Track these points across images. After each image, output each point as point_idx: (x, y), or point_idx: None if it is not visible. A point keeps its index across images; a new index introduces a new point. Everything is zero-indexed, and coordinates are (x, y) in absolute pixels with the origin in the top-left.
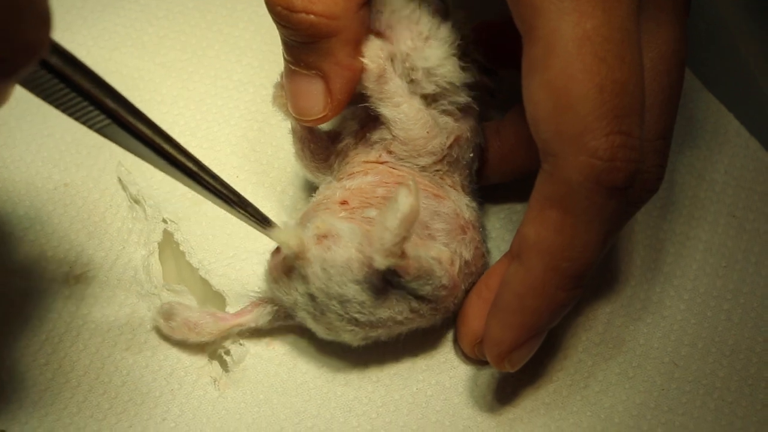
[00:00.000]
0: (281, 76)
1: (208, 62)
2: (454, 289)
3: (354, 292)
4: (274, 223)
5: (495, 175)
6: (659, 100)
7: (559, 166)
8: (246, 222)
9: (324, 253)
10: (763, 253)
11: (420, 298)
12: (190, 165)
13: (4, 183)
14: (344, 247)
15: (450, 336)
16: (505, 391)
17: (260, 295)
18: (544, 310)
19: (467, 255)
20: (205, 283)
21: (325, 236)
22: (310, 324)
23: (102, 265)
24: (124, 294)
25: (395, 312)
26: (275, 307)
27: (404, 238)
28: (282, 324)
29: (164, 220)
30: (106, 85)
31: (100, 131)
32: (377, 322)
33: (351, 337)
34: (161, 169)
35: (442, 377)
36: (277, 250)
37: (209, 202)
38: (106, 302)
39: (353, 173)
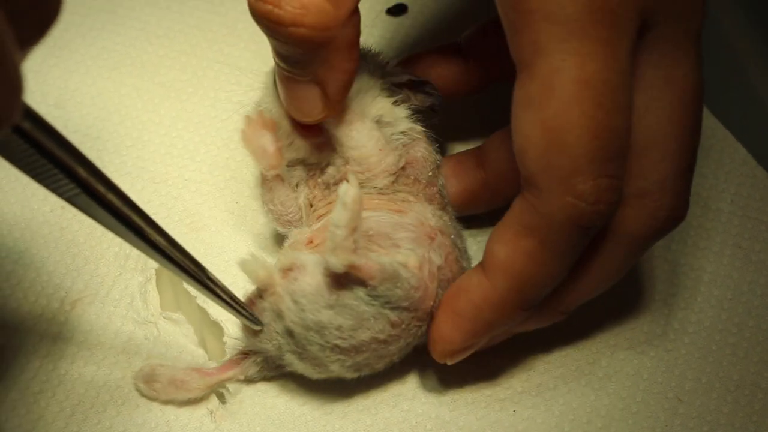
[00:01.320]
0: (254, 117)
1: (208, 83)
2: (426, 290)
3: (329, 317)
4: (246, 305)
5: (480, 204)
6: (680, 139)
7: (543, 201)
8: (217, 303)
9: (292, 285)
10: None
11: (396, 308)
12: (161, 241)
13: (0, 204)
14: (310, 275)
15: (450, 371)
16: (506, 428)
17: (245, 348)
18: (497, 324)
19: (438, 260)
20: (203, 311)
21: (290, 269)
22: (298, 366)
23: (98, 291)
24: (121, 321)
25: (376, 331)
26: (261, 358)
27: (354, 230)
28: (272, 374)
29: None
30: (77, 153)
31: (70, 200)
32: (360, 345)
33: (339, 367)
34: (132, 243)
35: (441, 411)
36: (247, 303)
37: (207, 229)
38: (103, 329)
39: (320, 215)
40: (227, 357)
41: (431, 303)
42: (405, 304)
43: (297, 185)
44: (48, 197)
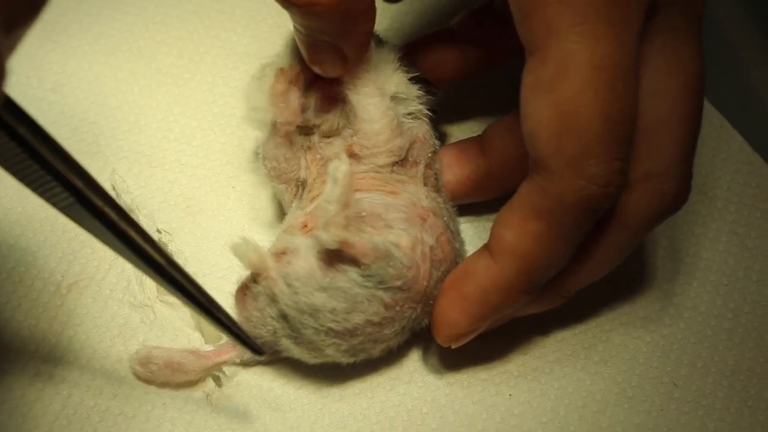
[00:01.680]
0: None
1: (205, 68)
2: (419, 270)
3: (322, 300)
4: (240, 328)
5: (483, 192)
6: (685, 124)
7: (553, 183)
8: (218, 328)
9: (285, 268)
10: (765, 271)
11: (389, 289)
12: (157, 257)
13: None
14: (303, 258)
15: (446, 356)
16: (502, 412)
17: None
18: (502, 308)
19: (430, 240)
20: None
21: (283, 253)
22: (294, 351)
23: (95, 274)
24: (117, 304)
25: (369, 314)
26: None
27: (345, 205)
28: (268, 358)
29: (158, 231)
30: (72, 162)
31: (64, 210)
32: (354, 328)
33: (335, 351)
34: (126, 258)
35: (437, 395)
36: (241, 289)
37: (204, 214)
38: (99, 312)
39: (314, 197)
40: (223, 340)
41: (425, 284)
42: (398, 283)
43: (302, 150)
44: None
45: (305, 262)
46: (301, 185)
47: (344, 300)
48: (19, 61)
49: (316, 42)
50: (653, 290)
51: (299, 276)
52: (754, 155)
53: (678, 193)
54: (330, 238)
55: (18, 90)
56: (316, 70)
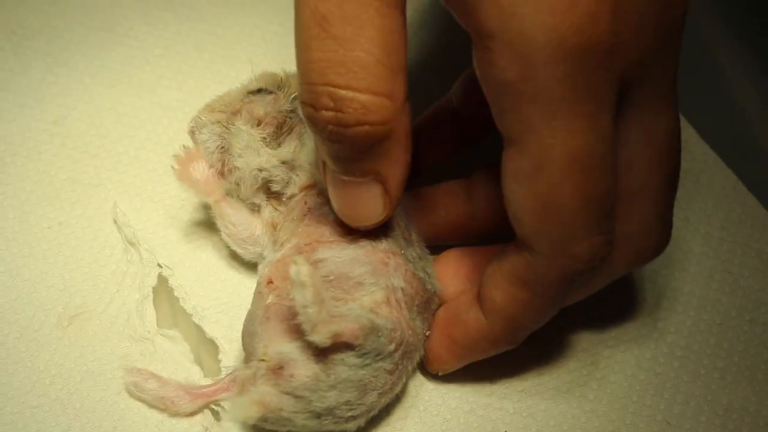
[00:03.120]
0: (181, 153)
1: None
2: (401, 323)
3: (335, 397)
4: None
5: (467, 235)
6: (662, 188)
7: (539, 262)
8: None
9: (291, 384)
10: (758, 310)
11: (387, 356)
12: None
13: None
14: (303, 365)
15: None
16: None
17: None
18: (488, 353)
19: (400, 282)
20: (199, 329)
21: (280, 368)
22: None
23: (95, 307)
24: (117, 337)
25: (380, 387)
26: None
27: (322, 302)
28: None
29: (159, 265)
30: None
31: None
32: (371, 405)
33: (355, 425)
34: None
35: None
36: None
37: (205, 249)
38: (99, 345)
39: (282, 242)
40: (222, 375)
41: (409, 331)
42: (392, 347)
43: (258, 207)
44: (46, 213)
45: (306, 369)
46: (273, 227)
47: (354, 388)
48: (21, 94)
49: (354, 181)
50: (647, 329)
51: (307, 386)
52: (748, 195)
53: (656, 247)
54: (323, 338)
55: (20, 122)
56: (353, 219)
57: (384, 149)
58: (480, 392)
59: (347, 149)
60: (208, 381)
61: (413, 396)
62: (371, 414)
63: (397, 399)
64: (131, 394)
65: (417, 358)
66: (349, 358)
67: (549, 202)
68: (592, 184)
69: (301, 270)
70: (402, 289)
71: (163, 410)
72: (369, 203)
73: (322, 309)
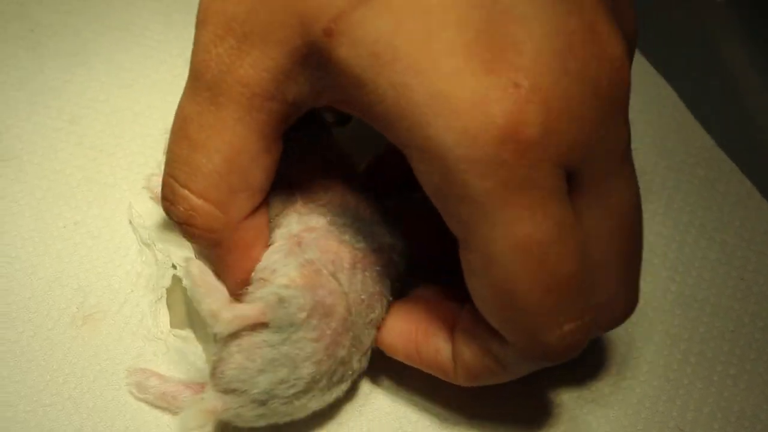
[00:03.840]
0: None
1: None
2: (316, 288)
3: (269, 379)
4: None
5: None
6: (623, 259)
7: (510, 348)
8: None
9: (222, 380)
10: None
11: (302, 325)
12: None
13: (13, 218)
14: (228, 359)
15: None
16: None
17: None
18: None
19: (313, 254)
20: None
21: (214, 367)
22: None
23: (110, 307)
24: (131, 337)
25: (311, 357)
26: None
27: (217, 293)
28: None
29: (173, 266)
30: None
31: None
32: (312, 377)
33: (316, 402)
34: None
35: None
36: None
37: (219, 249)
38: (113, 345)
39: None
40: None
41: (327, 292)
42: (304, 315)
43: None
44: (62, 213)
45: (230, 361)
46: None
47: (283, 365)
48: (38, 92)
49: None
50: (660, 335)
51: (236, 377)
52: (762, 202)
53: (620, 316)
54: (225, 325)
55: (36, 121)
56: None
57: (216, 254)
58: (488, 398)
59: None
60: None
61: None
62: (322, 385)
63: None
64: (134, 396)
65: (352, 315)
66: (268, 336)
67: (507, 295)
68: (549, 271)
69: (188, 269)
70: (317, 259)
71: (165, 408)
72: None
73: (216, 300)
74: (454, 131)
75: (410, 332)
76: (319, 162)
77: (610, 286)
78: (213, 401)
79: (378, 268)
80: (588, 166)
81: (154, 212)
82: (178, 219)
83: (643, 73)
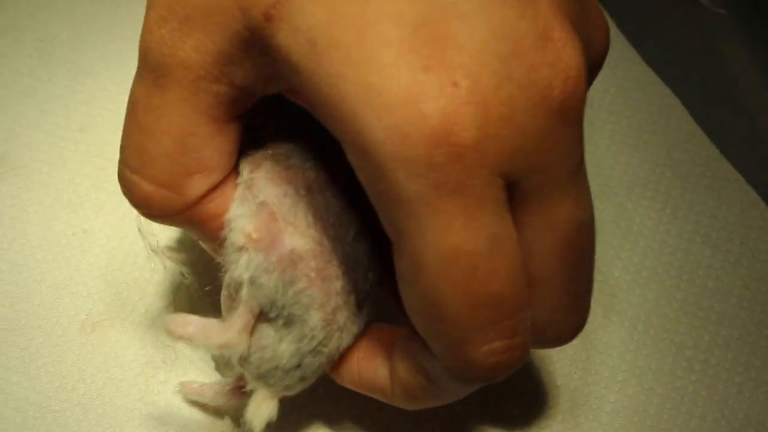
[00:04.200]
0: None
1: None
2: (272, 245)
3: (288, 346)
4: None
5: None
6: (565, 276)
7: (439, 362)
8: None
9: (255, 368)
10: None
11: (283, 289)
12: None
13: (22, 226)
14: (254, 347)
15: None
16: None
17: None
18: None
19: (265, 195)
20: None
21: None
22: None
23: (118, 314)
24: (140, 344)
25: (317, 305)
26: None
27: (211, 325)
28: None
29: (182, 273)
30: None
31: None
32: (326, 321)
33: (347, 336)
34: None
35: None
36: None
37: None
38: (122, 352)
39: None
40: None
41: (296, 235)
42: (275, 278)
43: None
44: (71, 221)
45: (251, 349)
46: None
47: (291, 324)
48: (47, 101)
49: None
50: (665, 343)
51: (263, 358)
52: (767, 211)
53: (566, 336)
54: (242, 345)
55: (46, 129)
56: None
57: (190, 230)
58: (495, 404)
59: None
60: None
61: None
62: (341, 319)
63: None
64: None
65: (327, 242)
66: (268, 323)
67: (432, 305)
68: (476, 285)
69: (168, 330)
70: (269, 200)
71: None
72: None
73: (213, 334)
74: (385, 127)
75: (351, 356)
76: (283, 120)
77: (552, 303)
78: (261, 390)
79: (335, 184)
80: (531, 178)
81: None
82: (136, 206)
83: (648, 83)
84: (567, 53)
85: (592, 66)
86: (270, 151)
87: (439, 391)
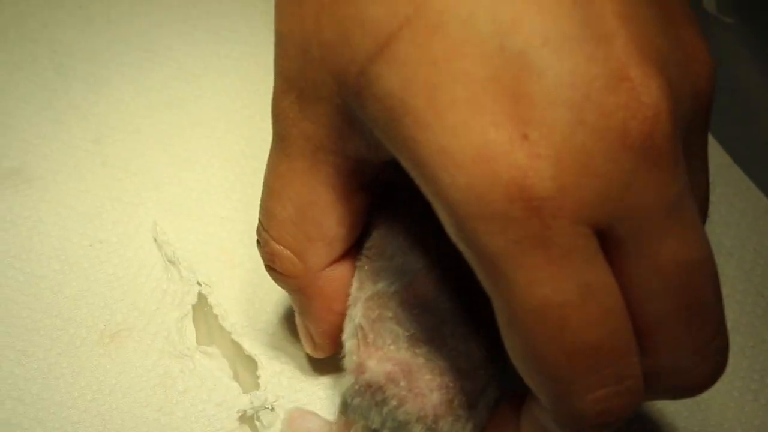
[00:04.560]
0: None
1: (244, 122)
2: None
3: None
4: None
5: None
6: (684, 318)
7: (549, 413)
8: None
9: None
10: None
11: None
12: None
13: (39, 237)
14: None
15: None
16: None
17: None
18: None
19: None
20: (237, 346)
21: None
22: None
23: (136, 324)
24: (158, 354)
25: (415, 421)
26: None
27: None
28: None
29: (198, 283)
30: None
31: None
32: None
33: None
34: None
35: None
36: None
37: (243, 267)
38: (139, 362)
39: None
40: (261, 389)
41: (374, 366)
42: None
43: None
44: (87, 231)
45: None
46: None
47: None
48: (62, 112)
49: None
50: None
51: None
52: None
53: (701, 382)
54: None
55: (62, 141)
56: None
57: (299, 299)
58: None
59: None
60: (246, 397)
61: None
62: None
63: None
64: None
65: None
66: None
67: (530, 358)
68: (572, 335)
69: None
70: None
71: None
72: (303, 336)
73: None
74: (461, 188)
75: None
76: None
77: (674, 350)
78: None
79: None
80: (622, 222)
81: (179, 229)
82: (264, 260)
83: None
84: (645, 92)
85: (695, 96)
86: (380, 262)
87: None
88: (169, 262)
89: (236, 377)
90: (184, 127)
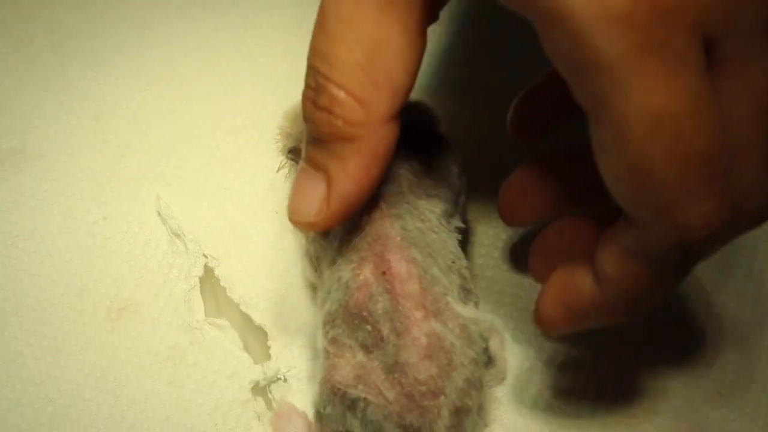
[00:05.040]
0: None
1: (245, 94)
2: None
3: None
4: None
5: (578, 207)
6: (765, 143)
7: (645, 234)
8: None
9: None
10: None
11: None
12: None
13: (43, 216)
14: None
15: None
16: None
17: None
18: (604, 324)
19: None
20: (246, 317)
21: None
22: None
23: (143, 299)
24: (166, 328)
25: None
26: None
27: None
28: None
29: (205, 256)
30: None
31: None
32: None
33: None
34: None
35: None
36: None
37: (250, 239)
38: (148, 336)
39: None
40: (272, 360)
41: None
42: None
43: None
44: (90, 209)
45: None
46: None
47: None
48: (63, 92)
49: (310, 168)
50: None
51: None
52: None
53: (762, 213)
54: None
55: (63, 120)
56: (292, 212)
57: (342, 152)
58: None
59: (313, 132)
60: (258, 368)
61: None
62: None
63: None
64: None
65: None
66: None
67: (639, 172)
68: (686, 144)
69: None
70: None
71: None
72: (309, 198)
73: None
74: None
75: (558, 303)
76: None
77: (750, 172)
78: None
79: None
80: (728, 37)
81: (183, 203)
82: (319, 105)
83: None
84: None
85: None
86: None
87: (652, 274)
88: (174, 235)
89: (246, 348)
90: (184, 102)
